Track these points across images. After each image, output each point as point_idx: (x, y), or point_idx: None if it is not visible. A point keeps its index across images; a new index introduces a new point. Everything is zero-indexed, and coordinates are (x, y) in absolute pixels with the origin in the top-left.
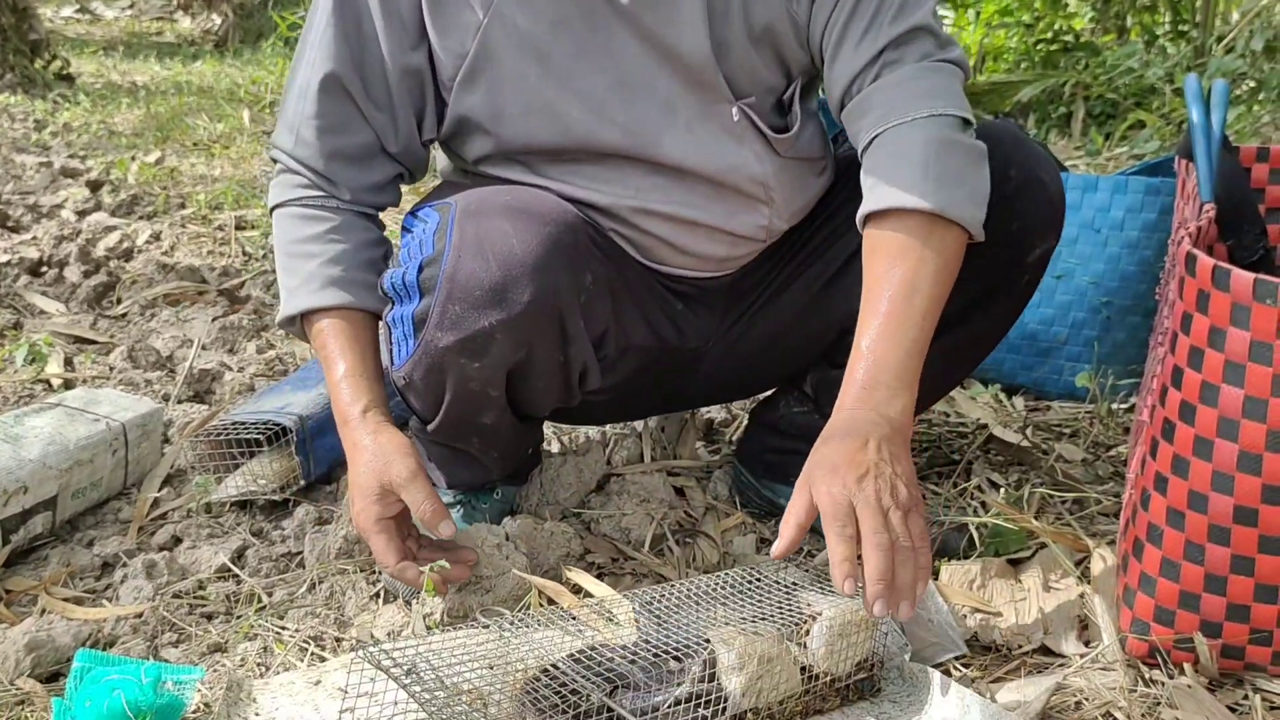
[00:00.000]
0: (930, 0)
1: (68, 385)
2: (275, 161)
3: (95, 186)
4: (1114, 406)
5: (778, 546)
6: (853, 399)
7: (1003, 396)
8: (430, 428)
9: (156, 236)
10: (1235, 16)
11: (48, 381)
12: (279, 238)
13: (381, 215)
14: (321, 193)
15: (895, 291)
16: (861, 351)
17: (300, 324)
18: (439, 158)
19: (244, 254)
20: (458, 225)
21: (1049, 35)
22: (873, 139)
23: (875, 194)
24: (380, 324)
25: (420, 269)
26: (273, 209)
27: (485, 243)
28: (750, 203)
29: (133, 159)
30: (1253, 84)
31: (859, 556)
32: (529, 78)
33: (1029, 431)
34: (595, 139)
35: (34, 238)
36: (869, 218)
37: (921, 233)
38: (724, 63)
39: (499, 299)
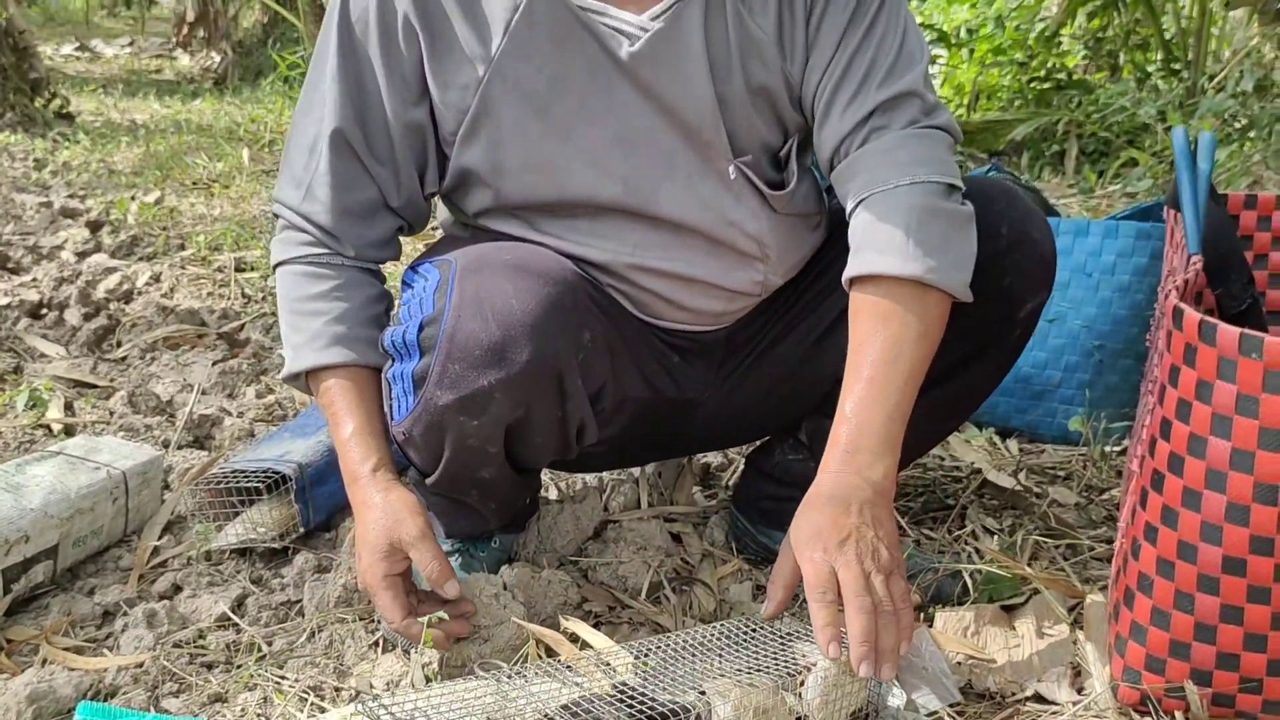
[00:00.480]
0: (919, 65)
1: (68, 430)
2: (277, 216)
3: (95, 227)
4: (1107, 449)
5: (767, 609)
6: (836, 463)
7: (997, 439)
8: (429, 481)
9: (156, 278)
10: (1226, 55)
11: (48, 426)
12: (283, 295)
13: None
14: (326, 250)
15: (878, 356)
16: (845, 415)
17: (305, 380)
18: (440, 209)
19: (244, 296)
20: (458, 284)
21: (1042, 73)
22: (856, 205)
23: (858, 259)
24: (380, 379)
25: (420, 328)
26: (276, 266)
27: (485, 302)
28: (746, 259)
29: (132, 198)
30: (1244, 122)
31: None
32: (529, 133)
33: (1023, 475)
34: (595, 193)
35: (34, 279)
36: (853, 281)
37: (904, 298)
38: (725, 119)
39: (498, 359)
